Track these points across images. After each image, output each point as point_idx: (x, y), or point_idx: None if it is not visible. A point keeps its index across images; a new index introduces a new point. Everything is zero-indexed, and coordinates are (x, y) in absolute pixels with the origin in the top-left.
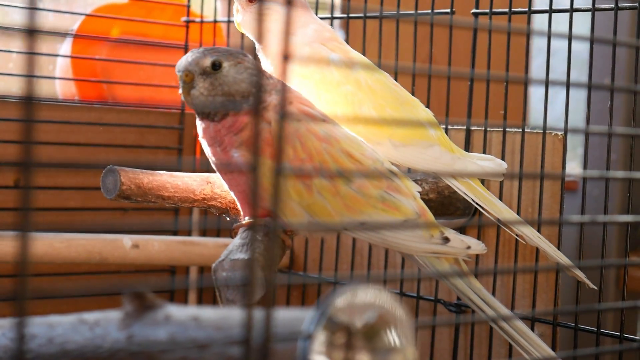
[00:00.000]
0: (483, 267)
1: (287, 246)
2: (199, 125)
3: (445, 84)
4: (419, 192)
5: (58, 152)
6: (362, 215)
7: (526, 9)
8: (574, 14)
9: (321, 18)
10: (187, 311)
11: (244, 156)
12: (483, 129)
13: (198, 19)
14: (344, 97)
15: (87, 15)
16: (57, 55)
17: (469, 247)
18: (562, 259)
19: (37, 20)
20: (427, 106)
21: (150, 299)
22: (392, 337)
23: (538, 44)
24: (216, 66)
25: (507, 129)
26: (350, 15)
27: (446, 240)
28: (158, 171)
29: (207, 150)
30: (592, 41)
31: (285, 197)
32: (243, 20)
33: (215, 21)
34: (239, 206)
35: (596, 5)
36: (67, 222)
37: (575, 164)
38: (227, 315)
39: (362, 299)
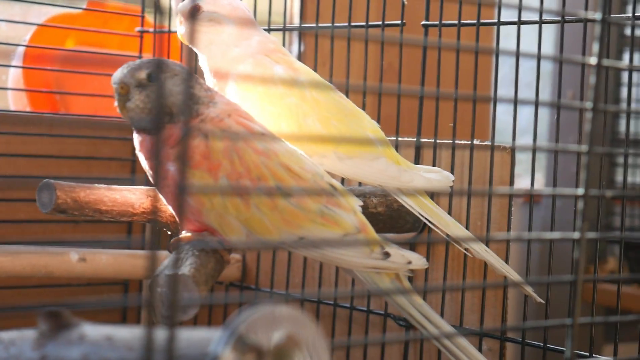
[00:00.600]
0: (432, 284)
1: (226, 261)
2: (136, 138)
3: (398, 95)
4: (360, 206)
5: (8, 164)
6: (301, 230)
7: (475, 21)
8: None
9: (271, 29)
10: (102, 330)
11: (180, 170)
12: (432, 141)
13: (152, 29)
14: (288, 109)
15: (39, 25)
16: (7, 66)
17: (409, 262)
18: (510, 273)
19: None
20: (379, 116)
21: (66, 318)
22: (305, 357)
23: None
24: (152, 78)
25: (457, 142)
26: (303, 25)
27: (387, 255)
28: (96, 184)
29: (144, 164)
30: (540, 58)
31: (222, 211)
32: (186, 32)
33: (169, 31)
34: (177, 220)
35: (544, 18)
36: (16, 235)
37: (539, 175)
38: (140, 335)
39: (273, 318)
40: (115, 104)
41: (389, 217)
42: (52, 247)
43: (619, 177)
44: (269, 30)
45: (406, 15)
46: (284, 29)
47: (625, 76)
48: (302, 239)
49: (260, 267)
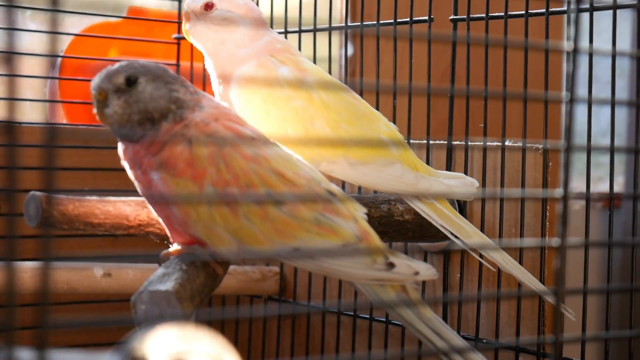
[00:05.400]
0: (453, 294)
1: (219, 275)
2: (120, 146)
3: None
4: (365, 213)
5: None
6: (295, 240)
7: (502, 14)
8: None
9: (317, 30)
10: None
11: (163, 179)
12: (464, 144)
13: None
14: (295, 112)
15: (75, 35)
16: (37, 77)
17: (417, 273)
18: (537, 285)
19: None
20: (409, 120)
21: None
22: None
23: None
24: (131, 82)
25: (488, 144)
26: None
27: (391, 265)
28: (87, 197)
29: (129, 174)
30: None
31: (209, 222)
32: (194, 28)
33: None
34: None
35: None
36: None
37: (620, 178)
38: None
39: (168, 343)
40: (94, 110)
41: (417, 225)
42: (75, 262)
43: None
44: (314, 30)
45: (434, 10)
46: (329, 29)
47: None
48: (297, 250)
49: (297, 281)
